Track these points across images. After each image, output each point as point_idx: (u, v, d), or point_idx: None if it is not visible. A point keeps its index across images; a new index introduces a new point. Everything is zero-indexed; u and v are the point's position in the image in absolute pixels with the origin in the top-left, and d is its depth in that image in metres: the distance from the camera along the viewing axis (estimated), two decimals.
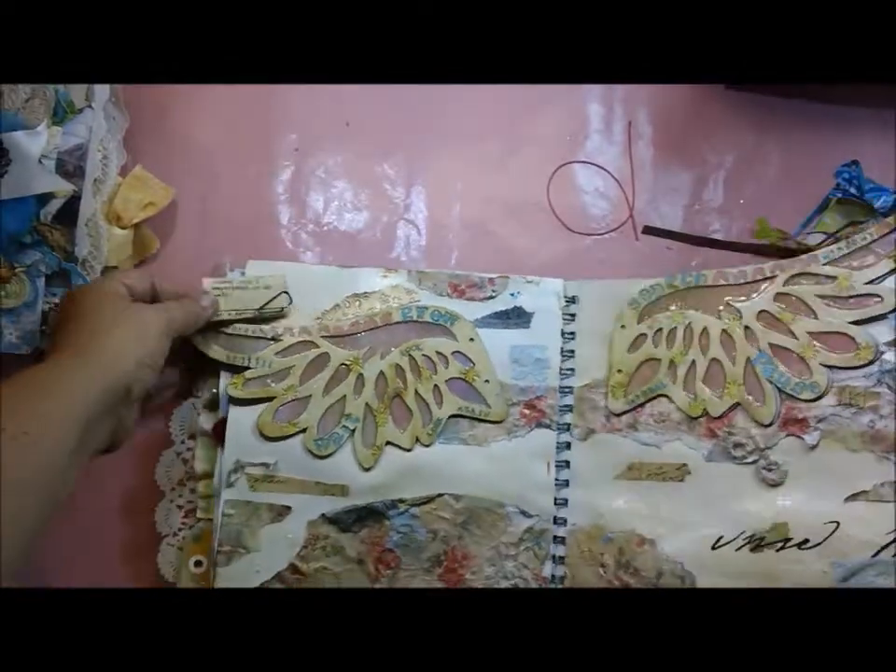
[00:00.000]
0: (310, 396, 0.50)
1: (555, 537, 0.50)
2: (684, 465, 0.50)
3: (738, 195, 0.56)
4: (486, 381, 0.51)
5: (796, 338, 0.49)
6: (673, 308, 0.51)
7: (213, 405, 0.51)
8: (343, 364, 0.51)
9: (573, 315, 0.52)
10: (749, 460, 0.49)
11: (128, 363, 0.42)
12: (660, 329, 0.51)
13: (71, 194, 0.50)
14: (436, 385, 0.51)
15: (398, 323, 0.51)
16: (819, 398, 0.49)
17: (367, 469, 0.50)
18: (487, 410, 0.51)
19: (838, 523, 0.48)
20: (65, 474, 0.38)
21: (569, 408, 0.51)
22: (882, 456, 0.48)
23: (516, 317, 0.52)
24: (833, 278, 0.50)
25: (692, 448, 0.50)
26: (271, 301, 0.51)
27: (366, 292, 0.52)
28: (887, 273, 0.49)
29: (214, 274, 0.52)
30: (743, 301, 0.51)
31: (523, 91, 0.57)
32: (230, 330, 0.51)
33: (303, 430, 0.50)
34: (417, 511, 0.50)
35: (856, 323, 0.49)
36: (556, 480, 0.50)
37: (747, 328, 0.50)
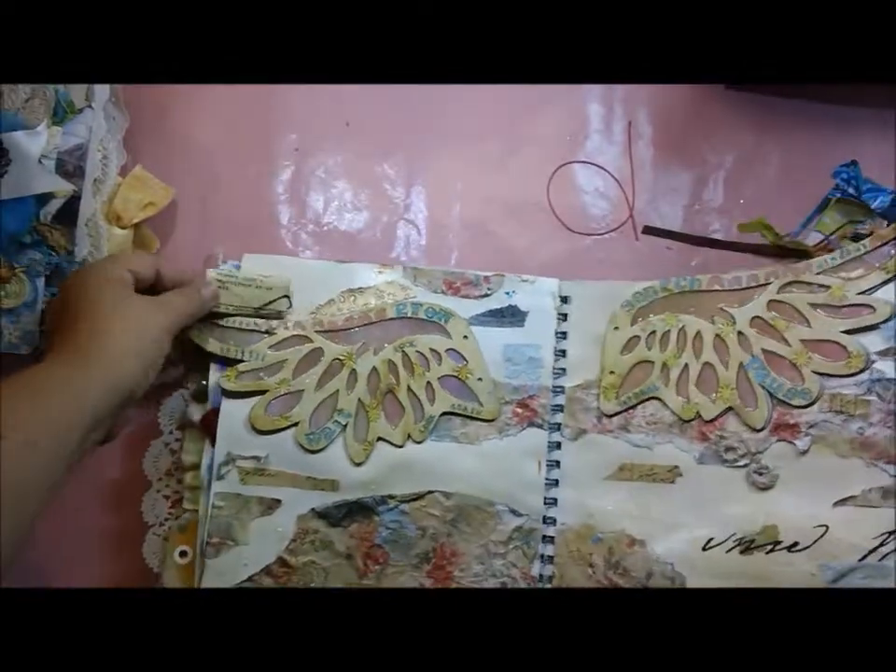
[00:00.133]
0: (302, 390, 0.50)
1: (544, 536, 0.50)
2: (675, 467, 0.50)
3: (738, 195, 0.56)
4: (479, 379, 0.51)
5: (789, 345, 0.50)
6: (666, 311, 0.51)
7: (202, 396, 0.51)
8: (336, 359, 0.51)
9: (565, 315, 0.52)
10: (741, 464, 0.50)
11: (133, 369, 0.42)
12: (653, 332, 0.51)
13: (71, 194, 0.50)
14: (429, 382, 0.51)
15: (392, 319, 0.51)
16: (811, 404, 0.49)
17: (358, 465, 0.50)
18: (480, 408, 0.51)
19: (827, 526, 0.48)
20: (63, 474, 0.38)
21: (560, 408, 0.51)
22: (871, 463, 0.49)
23: (511, 316, 0.52)
24: (827, 287, 0.51)
25: (683, 451, 0.50)
26: (271, 302, 0.51)
27: (361, 288, 0.52)
28: (879, 284, 0.50)
29: (206, 265, 0.52)
30: (737, 306, 0.51)
31: (523, 91, 0.57)
32: (223, 323, 0.50)
33: (295, 424, 0.50)
34: (407, 507, 0.50)
35: (848, 332, 0.50)
36: (546, 479, 0.50)
37: (740, 333, 0.50)
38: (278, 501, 0.50)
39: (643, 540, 0.49)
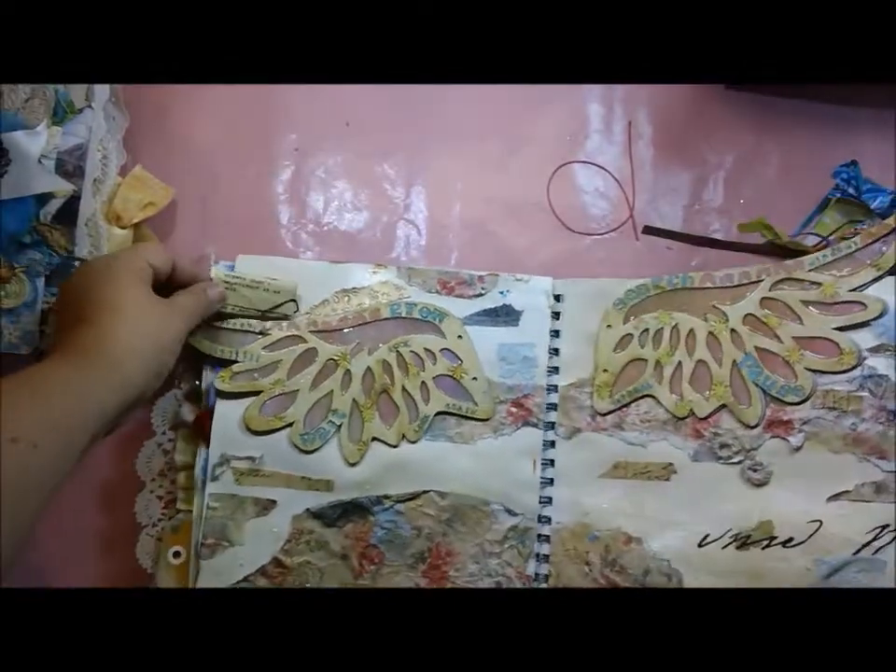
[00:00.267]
0: (297, 390, 0.50)
1: (540, 535, 0.50)
2: (670, 464, 0.50)
3: (738, 195, 0.56)
4: (474, 378, 0.51)
5: (782, 342, 0.50)
6: (659, 309, 0.51)
7: (195, 397, 0.51)
8: (330, 359, 0.51)
9: (558, 314, 0.52)
10: (735, 460, 0.50)
11: (139, 373, 0.41)
12: (646, 330, 0.51)
13: (71, 194, 0.50)
14: (423, 382, 0.51)
15: (386, 319, 0.52)
16: (804, 401, 0.50)
17: (352, 465, 0.50)
18: (474, 407, 0.51)
19: (821, 521, 0.49)
20: (65, 474, 0.38)
21: (554, 406, 0.51)
22: (863, 458, 0.49)
23: (505, 315, 0.52)
24: (819, 284, 0.51)
25: (678, 448, 0.50)
26: (278, 306, 0.51)
27: (355, 288, 0.52)
28: (871, 281, 0.50)
29: (199, 265, 0.52)
30: (729, 304, 0.51)
31: (523, 91, 0.57)
32: (217, 324, 0.50)
33: (290, 425, 0.50)
34: (402, 507, 0.50)
35: (840, 329, 0.50)
36: (541, 478, 0.50)
37: (733, 331, 0.51)
38: (273, 502, 0.50)
39: (639, 538, 0.49)
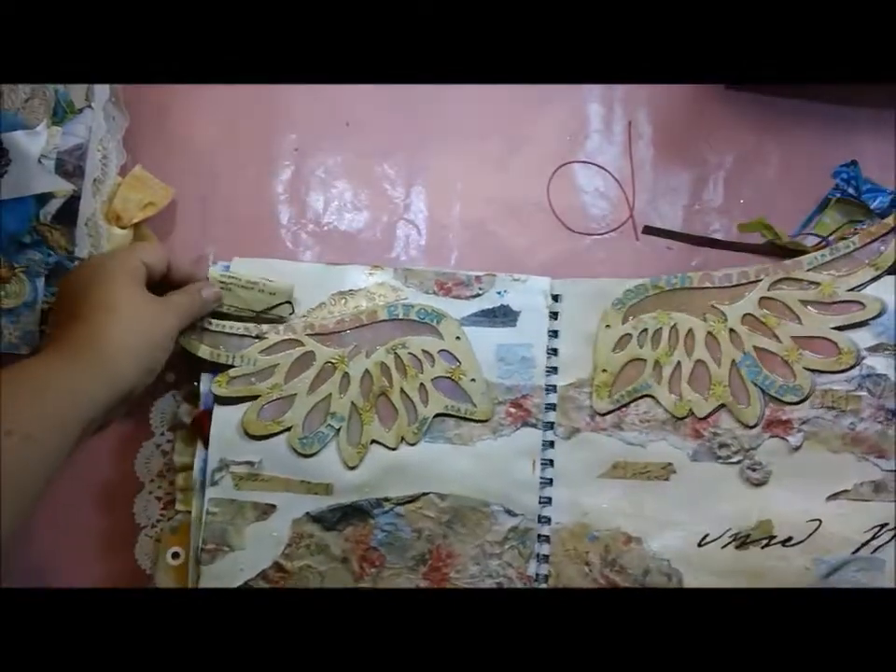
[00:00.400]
0: (295, 394, 0.50)
1: (540, 535, 0.50)
2: (669, 464, 0.50)
3: (738, 195, 0.56)
4: (472, 379, 0.51)
5: (780, 342, 0.50)
6: (658, 309, 0.51)
7: (193, 398, 0.51)
8: (328, 362, 0.51)
9: (556, 314, 0.52)
10: (734, 460, 0.50)
11: (131, 368, 0.42)
12: (645, 330, 0.51)
13: (70, 194, 0.50)
14: (422, 384, 0.51)
15: (383, 321, 0.51)
16: (803, 401, 0.50)
17: (352, 468, 0.50)
18: (473, 409, 0.51)
19: (820, 521, 0.49)
20: (56, 469, 0.38)
21: (553, 406, 0.51)
22: (862, 457, 0.49)
23: (503, 316, 0.52)
24: (817, 284, 0.51)
25: (677, 448, 0.50)
26: (273, 307, 0.51)
27: (352, 290, 0.52)
28: (869, 281, 0.50)
29: (197, 266, 0.52)
30: (728, 304, 0.51)
31: (523, 91, 0.57)
32: (214, 328, 0.50)
33: (288, 429, 0.50)
34: (402, 509, 0.50)
35: (839, 328, 0.50)
36: (540, 478, 0.50)
37: (732, 330, 0.51)
38: (273, 506, 0.50)
39: (639, 538, 0.50)
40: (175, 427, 0.51)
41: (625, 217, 0.56)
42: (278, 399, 0.50)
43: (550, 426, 0.51)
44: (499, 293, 0.52)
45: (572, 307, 0.52)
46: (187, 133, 0.56)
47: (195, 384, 0.51)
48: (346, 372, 0.51)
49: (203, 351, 0.50)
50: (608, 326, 0.52)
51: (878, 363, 0.50)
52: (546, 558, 0.50)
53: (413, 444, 0.50)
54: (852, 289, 0.50)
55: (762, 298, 0.51)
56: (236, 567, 0.49)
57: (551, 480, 0.50)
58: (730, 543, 0.49)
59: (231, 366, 0.50)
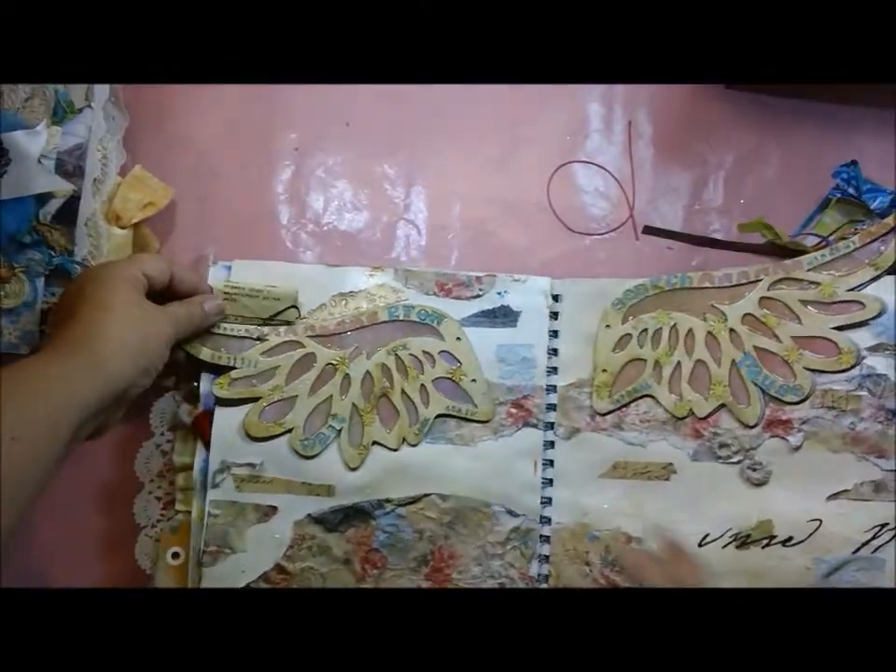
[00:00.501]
0: (296, 396, 0.50)
1: (540, 535, 0.50)
2: (670, 464, 0.50)
3: (738, 195, 0.56)
4: (473, 380, 0.51)
5: (780, 342, 0.50)
6: (658, 309, 0.51)
7: (193, 398, 0.51)
8: (329, 364, 0.51)
9: (556, 314, 0.52)
10: (734, 460, 0.50)
11: (125, 368, 0.42)
12: (645, 330, 0.51)
13: (70, 194, 0.50)
14: (423, 385, 0.51)
15: (384, 322, 0.51)
16: (803, 400, 0.50)
17: (353, 469, 0.50)
18: (474, 409, 0.51)
19: (821, 521, 0.49)
20: (48, 470, 0.38)
21: (553, 406, 0.51)
22: (862, 457, 0.49)
23: (503, 316, 0.52)
24: (817, 284, 0.51)
25: (677, 448, 0.50)
26: (279, 313, 0.51)
27: (352, 291, 0.52)
28: (869, 281, 0.50)
29: (197, 266, 0.52)
30: (728, 304, 0.51)
31: (523, 91, 0.57)
32: (215, 330, 0.50)
33: (289, 430, 0.50)
34: (404, 510, 0.50)
35: (839, 328, 0.50)
36: (541, 478, 0.50)
37: (732, 330, 0.51)
38: (274, 508, 0.50)
39: (639, 538, 0.49)
40: (175, 427, 0.51)
41: (625, 216, 0.56)
42: (279, 400, 0.50)
43: (550, 426, 0.51)
44: (500, 293, 0.52)
45: (572, 307, 0.52)
46: (187, 133, 0.56)
47: (195, 384, 0.51)
48: (347, 374, 0.51)
49: (205, 353, 0.50)
50: (608, 326, 0.52)
51: (878, 363, 0.50)
52: (546, 558, 0.50)
53: (414, 445, 0.50)
54: (852, 289, 0.50)
55: (762, 298, 0.51)
56: (238, 570, 0.49)
57: (551, 480, 0.50)
58: (730, 543, 0.49)
59: (233, 367, 0.50)
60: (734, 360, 0.50)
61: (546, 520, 0.50)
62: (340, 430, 0.50)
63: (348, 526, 0.50)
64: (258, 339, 0.51)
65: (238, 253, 0.53)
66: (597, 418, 0.51)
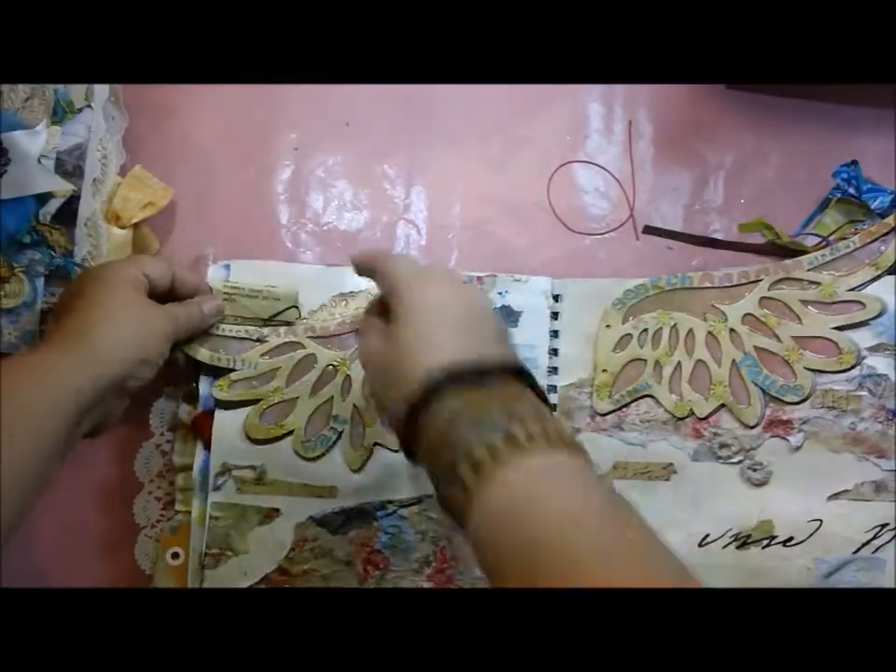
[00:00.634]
0: (297, 397, 0.50)
1: None
2: (670, 464, 0.50)
3: (738, 195, 0.56)
4: None
5: (781, 341, 0.50)
6: (658, 309, 0.51)
7: (193, 398, 0.51)
8: (330, 365, 0.51)
9: (556, 314, 0.52)
10: (735, 460, 0.50)
11: (120, 361, 0.42)
12: (645, 330, 0.51)
13: (70, 194, 0.50)
14: None
15: None
16: (803, 400, 0.50)
17: (355, 471, 0.50)
18: None
19: (821, 521, 0.49)
20: (48, 464, 0.38)
21: (553, 407, 0.51)
22: (862, 457, 0.49)
23: (504, 316, 0.52)
24: (817, 284, 0.51)
25: (677, 448, 0.50)
26: (279, 313, 0.51)
27: (352, 291, 0.52)
28: (869, 280, 0.51)
29: (196, 266, 0.52)
30: (728, 304, 0.51)
31: (523, 91, 0.57)
32: (214, 330, 0.50)
33: (291, 433, 0.50)
34: (406, 511, 0.50)
35: (839, 328, 0.50)
36: None
37: (732, 330, 0.51)
38: (276, 510, 0.50)
39: None
40: (175, 428, 0.51)
41: (625, 216, 0.56)
42: (280, 402, 0.50)
43: None
44: (500, 294, 0.52)
45: (572, 307, 0.52)
46: (186, 133, 0.56)
47: (194, 384, 0.51)
48: (348, 375, 0.51)
49: (203, 354, 0.50)
50: (608, 326, 0.52)
51: (879, 363, 0.50)
52: None
53: None
54: (852, 289, 0.50)
55: (762, 298, 0.51)
56: (240, 572, 0.49)
57: None
58: (731, 543, 0.49)
59: (232, 369, 0.50)
60: (734, 360, 0.50)
61: None
62: (341, 432, 0.50)
63: (350, 528, 0.50)
64: (257, 340, 0.51)
65: (238, 253, 0.53)
66: (598, 418, 0.51)
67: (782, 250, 0.53)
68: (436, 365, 0.35)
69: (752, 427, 0.50)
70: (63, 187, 0.50)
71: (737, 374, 0.50)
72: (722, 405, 0.50)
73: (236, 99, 0.57)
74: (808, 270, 0.51)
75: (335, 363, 0.51)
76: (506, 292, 0.52)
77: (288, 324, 0.51)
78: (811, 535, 0.49)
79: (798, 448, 0.50)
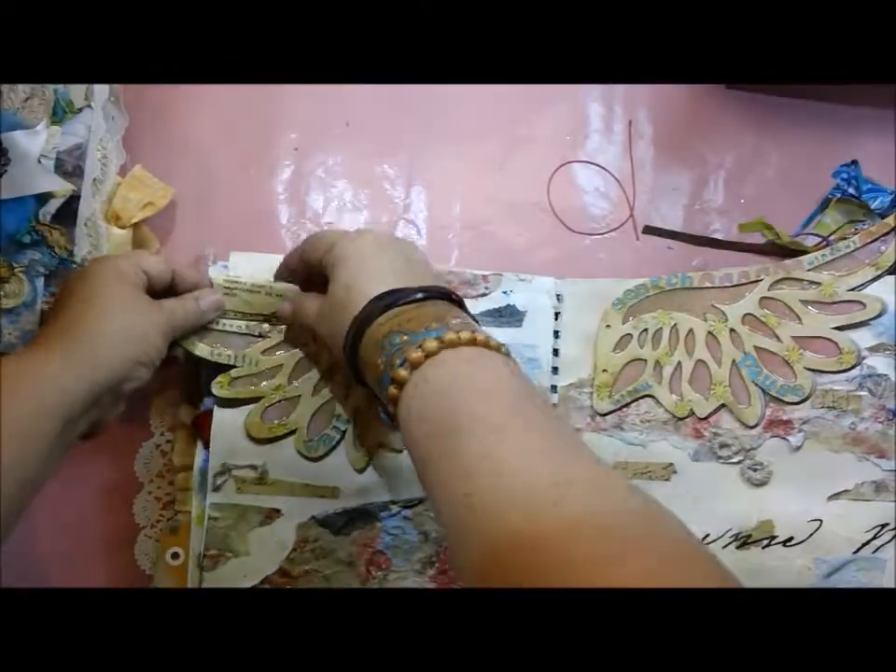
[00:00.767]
0: (299, 396, 0.49)
1: None
2: (670, 464, 0.50)
3: (738, 195, 0.56)
4: None
5: (781, 341, 0.50)
6: (658, 309, 0.51)
7: (193, 398, 0.50)
8: (333, 363, 0.50)
9: (557, 314, 0.52)
10: (735, 460, 0.50)
11: (118, 360, 0.42)
12: (645, 330, 0.51)
13: (70, 194, 0.50)
14: None
15: None
16: (803, 401, 0.50)
17: (359, 471, 0.49)
18: None
19: (821, 521, 0.49)
20: (43, 466, 0.38)
21: (554, 407, 0.51)
22: (862, 457, 0.49)
23: (509, 316, 0.52)
24: (818, 284, 0.51)
25: (678, 448, 0.50)
26: None
27: None
28: (869, 280, 0.51)
29: (196, 266, 0.52)
30: (728, 304, 0.51)
31: (523, 91, 0.57)
32: (214, 326, 0.49)
33: (293, 432, 0.49)
34: (409, 512, 0.50)
35: (839, 328, 0.50)
36: None
37: (732, 330, 0.51)
38: (277, 511, 0.49)
39: None
40: (175, 428, 0.51)
41: (626, 216, 0.56)
42: (282, 400, 0.49)
43: None
44: (505, 293, 0.52)
45: (572, 307, 0.52)
46: (187, 133, 0.56)
47: (195, 383, 0.50)
48: None
49: (202, 350, 0.49)
50: (608, 326, 0.52)
51: (879, 363, 0.50)
52: None
53: None
54: (853, 289, 0.51)
55: (762, 298, 0.51)
56: (240, 574, 0.48)
57: None
58: (731, 543, 0.49)
59: (233, 366, 0.49)
60: (734, 360, 0.50)
61: None
62: (345, 431, 0.50)
63: (353, 529, 0.49)
64: (259, 336, 0.50)
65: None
66: (598, 418, 0.51)
67: (782, 250, 0.53)
68: (374, 293, 0.40)
69: (752, 427, 0.50)
70: (62, 187, 0.49)
71: (738, 374, 0.50)
72: (723, 405, 0.50)
73: (236, 99, 0.57)
74: (808, 270, 0.51)
75: (338, 361, 0.50)
76: (511, 291, 0.52)
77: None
78: (811, 535, 0.49)
79: (798, 448, 0.50)
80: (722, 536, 0.49)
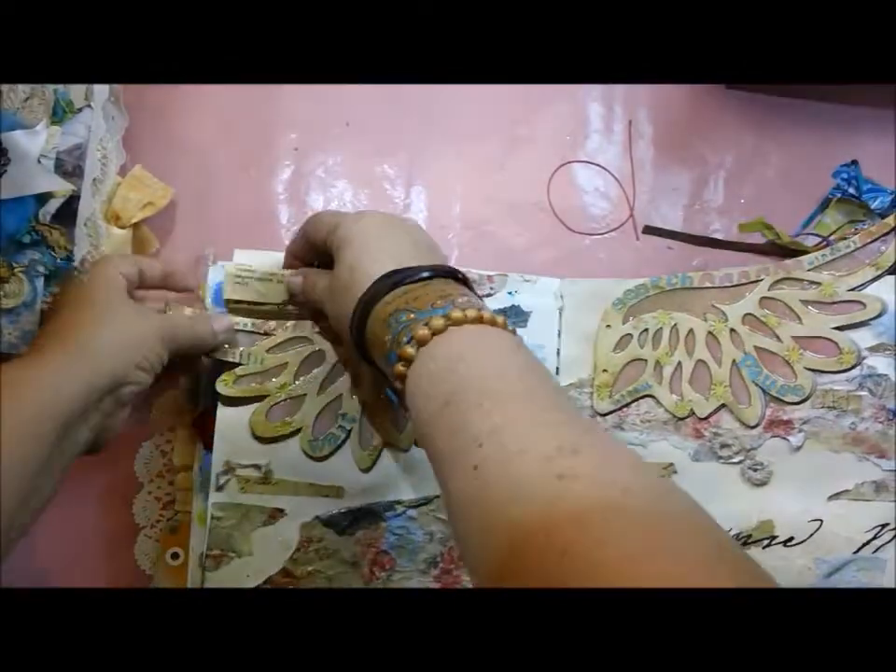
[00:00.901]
0: (304, 394, 0.49)
1: None
2: (671, 464, 0.50)
3: (738, 195, 0.56)
4: None
5: (781, 341, 0.50)
6: (658, 309, 0.51)
7: (193, 398, 0.50)
8: (338, 361, 0.50)
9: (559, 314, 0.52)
10: (735, 460, 0.50)
11: (115, 362, 0.41)
12: (645, 330, 0.51)
13: (70, 194, 0.50)
14: None
15: None
16: (804, 401, 0.50)
17: (364, 471, 0.49)
18: None
19: (821, 521, 0.49)
20: (42, 475, 0.38)
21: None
22: (863, 457, 0.50)
23: (514, 316, 0.52)
24: (818, 284, 0.51)
25: (678, 448, 0.50)
26: (292, 297, 0.50)
27: None
28: (869, 280, 0.51)
29: (196, 266, 0.52)
30: (728, 304, 0.51)
31: (523, 91, 0.57)
32: None
33: (298, 431, 0.49)
34: (414, 512, 0.49)
35: (839, 328, 0.50)
36: None
37: (732, 330, 0.51)
38: (281, 510, 0.49)
39: None
40: (175, 428, 0.51)
41: (626, 216, 0.56)
42: (287, 399, 0.49)
43: None
44: (510, 293, 0.52)
45: (572, 307, 0.52)
46: (187, 133, 0.56)
47: (195, 383, 0.50)
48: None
49: None
50: (608, 326, 0.52)
51: (879, 363, 0.50)
52: None
53: None
54: (853, 289, 0.51)
55: (762, 298, 0.51)
56: (242, 574, 0.48)
57: None
58: None
59: (237, 364, 0.49)
60: (734, 360, 0.50)
61: None
62: (350, 430, 0.49)
63: (357, 528, 0.49)
64: (264, 334, 0.49)
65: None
66: (598, 418, 0.51)
67: (782, 250, 0.53)
68: (379, 274, 0.40)
69: (753, 427, 0.50)
70: (62, 187, 0.49)
71: (738, 374, 0.50)
72: (723, 405, 0.50)
73: (236, 99, 0.57)
74: (808, 270, 0.51)
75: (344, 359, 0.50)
76: (516, 292, 0.52)
77: (300, 312, 0.49)
78: (811, 535, 0.49)
79: (798, 448, 0.50)
80: None
